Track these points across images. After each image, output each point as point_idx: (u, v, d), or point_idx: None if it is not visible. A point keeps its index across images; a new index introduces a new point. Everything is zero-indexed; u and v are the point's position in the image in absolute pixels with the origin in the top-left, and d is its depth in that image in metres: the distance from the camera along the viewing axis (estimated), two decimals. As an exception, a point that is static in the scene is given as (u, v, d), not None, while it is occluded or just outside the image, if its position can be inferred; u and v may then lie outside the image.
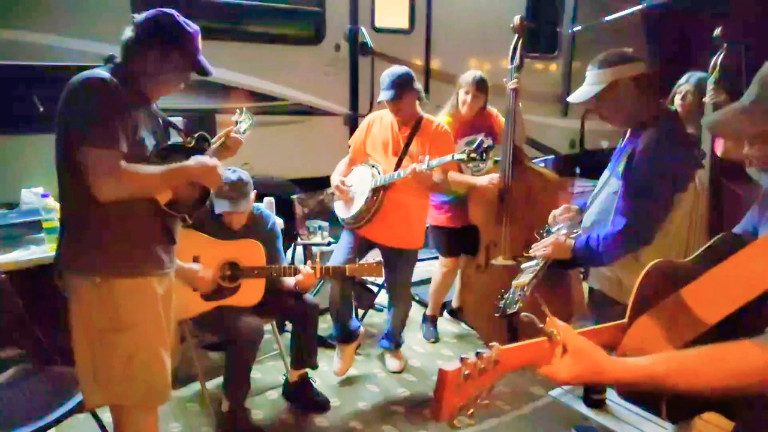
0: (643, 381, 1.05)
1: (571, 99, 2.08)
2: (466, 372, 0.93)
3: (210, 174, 1.88)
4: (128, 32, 1.81)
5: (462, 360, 0.94)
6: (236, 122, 2.17)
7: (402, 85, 2.83)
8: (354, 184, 3.04)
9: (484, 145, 2.74)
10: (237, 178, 2.59)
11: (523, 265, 2.19)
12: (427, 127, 2.97)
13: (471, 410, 0.96)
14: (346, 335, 3.17)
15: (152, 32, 1.79)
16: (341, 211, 3.10)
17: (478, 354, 0.96)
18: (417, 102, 2.95)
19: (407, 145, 2.95)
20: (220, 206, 2.58)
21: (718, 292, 1.09)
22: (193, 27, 1.85)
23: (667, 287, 1.15)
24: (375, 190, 2.92)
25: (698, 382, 1.02)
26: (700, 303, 1.09)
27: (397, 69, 2.88)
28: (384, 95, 2.85)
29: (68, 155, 1.71)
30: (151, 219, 1.84)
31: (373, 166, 2.99)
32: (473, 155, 2.71)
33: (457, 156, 2.77)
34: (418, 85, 2.93)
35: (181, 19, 1.83)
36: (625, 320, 1.21)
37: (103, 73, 1.74)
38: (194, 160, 1.85)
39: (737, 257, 1.09)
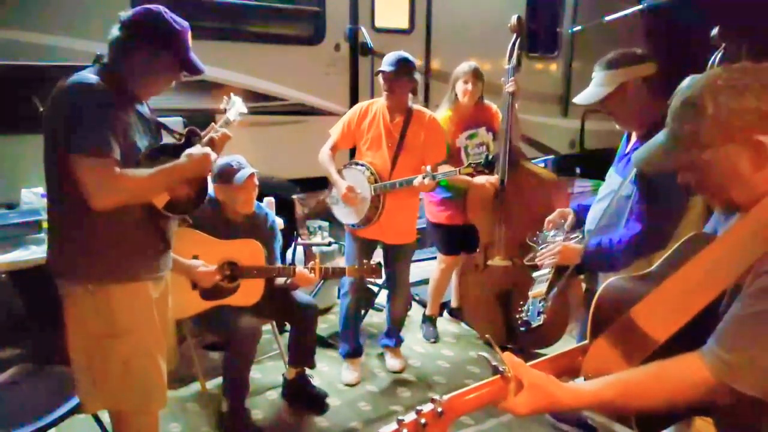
0: (594, 406, 1.09)
1: (576, 100, 2.01)
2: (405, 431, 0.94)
3: (203, 163, 1.83)
4: (115, 31, 1.74)
5: (398, 422, 0.94)
6: (224, 110, 2.12)
7: (405, 65, 2.83)
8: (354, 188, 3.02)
9: (491, 158, 2.79)
10: (230, 159, 2.62)
11: (534, 274, 2.16)
12: (421, 117, 2.97)
13: None
14: (355, 352, 3.22)
15: (139, 31, 1.72)
16: (344, 216, 3.08)
17: (417, 411, 0.96)
18: (410, 94, 2.95)
19: (402, 136, 2.94)
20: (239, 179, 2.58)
21: (665, 308, 1.09)
22: (181, 24, 1.77)
23: (622, 305, 1.15)
24: (376, 194, 2.93)
25: (645, 403, 1.04)
26: (650, 321, 1.10)
27: (405, 53, 2.88)
28: (386, 67, 2.82)
29: (59, 160, 1.66)
30: (143, 223, 1.80)
31: (366, 169, 2.95)
32: (480, 169, 2.76)
33: (463, 170, 2.80)
34: (418, 76, 2.92)
35: (170, 15, 1.75)
36: (587, 342, 1.21)
37: (91, 76, 1.68)
38: (185, 156, 1.79)
39: (680, 273, 1.10)
